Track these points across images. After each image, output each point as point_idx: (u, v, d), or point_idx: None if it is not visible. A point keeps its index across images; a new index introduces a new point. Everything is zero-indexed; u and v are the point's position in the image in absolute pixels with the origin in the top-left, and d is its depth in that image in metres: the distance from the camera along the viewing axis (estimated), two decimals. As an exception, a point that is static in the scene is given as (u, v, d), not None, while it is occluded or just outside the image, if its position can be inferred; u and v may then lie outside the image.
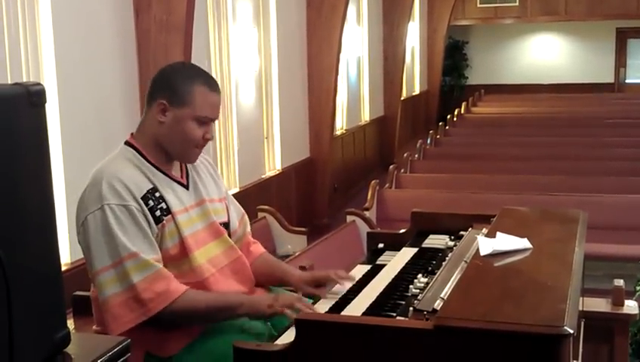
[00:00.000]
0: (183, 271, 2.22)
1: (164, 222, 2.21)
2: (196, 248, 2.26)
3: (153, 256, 2.15)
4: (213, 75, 6.59)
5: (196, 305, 2.17)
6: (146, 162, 2.27)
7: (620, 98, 15.45)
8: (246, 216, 2.61)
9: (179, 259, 2.23)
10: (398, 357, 1.85)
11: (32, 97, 1.36)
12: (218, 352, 2.15)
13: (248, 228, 2.60)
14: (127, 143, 2.31)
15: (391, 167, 7.45)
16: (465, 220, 2.94)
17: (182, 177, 2.34)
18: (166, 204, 2.23)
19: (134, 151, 2.28)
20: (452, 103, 15.43)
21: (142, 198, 2.18)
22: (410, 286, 2.32)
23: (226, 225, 2.43)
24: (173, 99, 2.23)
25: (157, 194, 2.22)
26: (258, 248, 2.61)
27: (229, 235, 2.44)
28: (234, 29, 7.07)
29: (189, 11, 5.27)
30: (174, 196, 2.27)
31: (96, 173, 2.22)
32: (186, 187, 2.33)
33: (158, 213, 2.20)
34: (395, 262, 2.71)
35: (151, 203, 2.20)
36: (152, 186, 2.22)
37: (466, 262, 2.34)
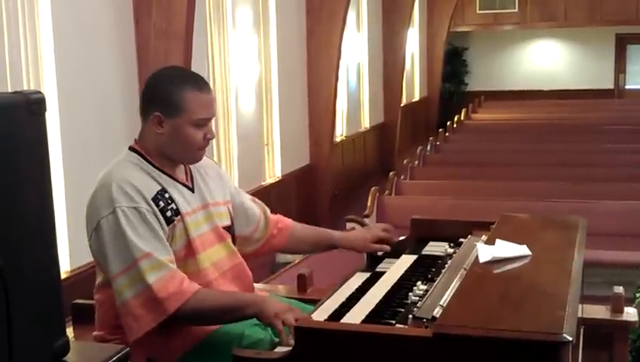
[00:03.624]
0: (189, 273, 2.22)
1: (175, 222, 2.22)
2: (202, 250, 2.28)
3: (166, 256, 2.16)
4: (214, 83, 6.64)
5: (210, 303, 2.17)
6: (151, 166, 2.27)
7: (619, 104, 15.46)
8: (263, 204, 2.71)
9: (185, 260, 2.24)
10: (397, 364, 1.85)
11: (32, 106, 1.36)
12: (218, 361, 2.15)
13: (268, 213, 2.68)
14: (131, 149, 2.32)
15: (391, 173, 7.45)
16: (464, 227, 2.94)
17: (187, 180, 2.36)
18: (175, 204, 2.24)
19: (139, 156, 2.29)
20: (452, 110, 15.41)
21: (152, 199, 2.19)
22: (410, 293, 2.32)
23: (229, 228, 2.44)
24: (167, 109, 2.23)
25: (166, 195, 2.23)
26: (285, 220, 2.74)
27: (234, 239, 2.46)
28: (234, 35, 7.08)
29: (188, 18, 5.28)
30: (182, 197, 2.28)
31: (104, 177, 2.22)
32: (192, 190, 2.34)
33: (169, 213, 2.22)
34: (395, 269, 2.70)
35: (161, 203, 2.21)
36: (160, 188, 2.24)
37: (465, 269, 2.34)
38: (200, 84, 2.28)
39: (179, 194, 2.28)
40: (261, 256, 2.78)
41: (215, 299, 2.20)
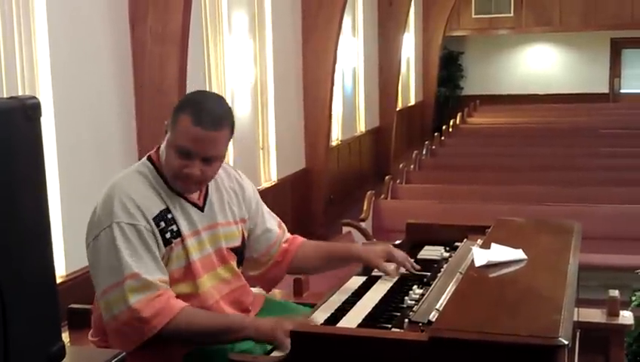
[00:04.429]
0: (187, 295, 2.22)
1: (173, 245, 2.20)
2: (204, 273, 2.26)
3: (158, 276, 2.14)
4: (210, 87, 6.63)
5: (199, 322, 2.16)
6: (161, 180, 2.25)
7: (614, 108, 15.49)
8: (285, 228, 2.64)
9: (183, 282, 2.23)
10: (393, 368, 1.85)
11: (28, 111, 1.36)
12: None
13: (287, 235, 2.62)
14: (149, 157, 2.30)
15: (386, 177, 7.45)
16: (460, 231, 2.94)
17: (199, 198, 2.31)
18: (177, 226, 2.22)
19: (152, 168, 2.27)
20: (447, 114, 15.44)
21: (153, 219, 2.18)
22: (406, 297, 2.32)
23: (237, 250, 2.41)
24: (170, 123, 2.23)
25: (169, 216, 2.21)
26: (296, 240, 2.63)
27: (242, 260, 2.44)
28: (229, 40, 7.08)
29: (184, 23, 5.28)
30: (187, 219, 2.25)
31: (110, 188, 2.21)
32: (201, 208, 2.31)
33: (168, 235, 2.20)
34: (391, 273, 2.70)
35: (162, 224, 2.19)
36: (165, 207, 2.22)
37: (461, 273, 2.34)
38: (201, 118, 2.17)
39: (184, 214, 2.25)
40: (270, 281, 2.64)
41: (204, 318, 2.18)
